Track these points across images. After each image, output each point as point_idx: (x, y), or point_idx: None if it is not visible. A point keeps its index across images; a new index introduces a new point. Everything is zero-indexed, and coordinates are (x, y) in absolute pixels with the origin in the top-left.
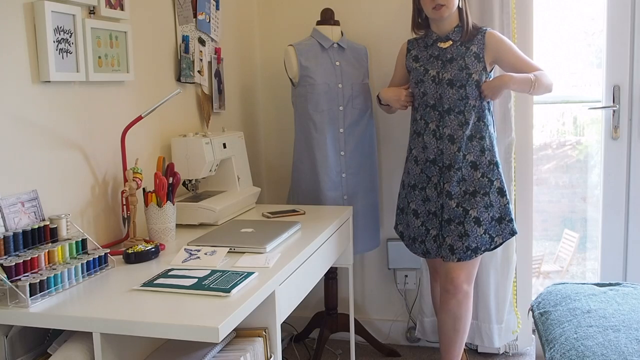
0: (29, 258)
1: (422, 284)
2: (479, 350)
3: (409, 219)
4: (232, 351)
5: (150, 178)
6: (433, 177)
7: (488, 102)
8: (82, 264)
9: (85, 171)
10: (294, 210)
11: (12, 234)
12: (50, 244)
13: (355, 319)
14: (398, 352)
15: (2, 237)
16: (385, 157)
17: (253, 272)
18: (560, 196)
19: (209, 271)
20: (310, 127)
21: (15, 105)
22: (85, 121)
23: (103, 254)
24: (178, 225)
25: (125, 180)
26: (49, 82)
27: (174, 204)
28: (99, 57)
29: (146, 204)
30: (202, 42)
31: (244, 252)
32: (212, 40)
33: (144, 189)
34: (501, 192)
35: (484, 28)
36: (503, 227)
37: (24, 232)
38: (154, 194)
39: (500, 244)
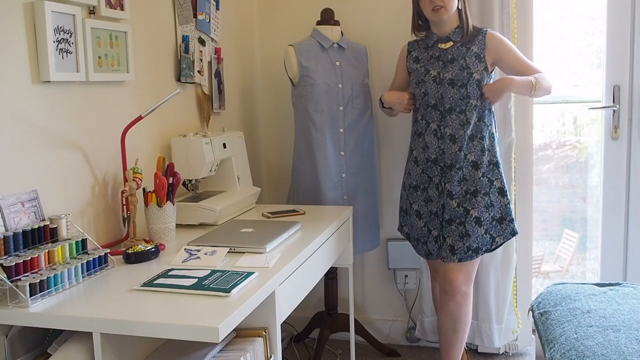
0: (29, 258)
1: (422, 284)
2: (479, 350)
3: (412, 220)
4: (232, 351)
5: (150, 178)
6: (434, 177)
7: (489, 102)
8: (82, 264)
9: (85, 171)
10: (294, 210)
11: (12, 234)
12: (50, 244)
13: (355, 319)
14: (398, 352)
15: (2, 237)
16: (385, 157)
17: (253, 272)
18: (560, 196)
19: (209, 271)
20: (310, 127)
21: (15, 105)
22: (85, 121)
23: (103, 254)
24: (178, 225)
25: (125, 180)
26: (49, 82)
27: (174, 204)
28: (99, 57)
29: (146, 204)
30: (202, 42)
31: (244, 252)
32: (212, 40)
33: (144, 189)
34: (502, 192)
35: (485, 29)
36: (504, 227)
37: (24, 232)
38: (154, 194)
39: (501, 244)
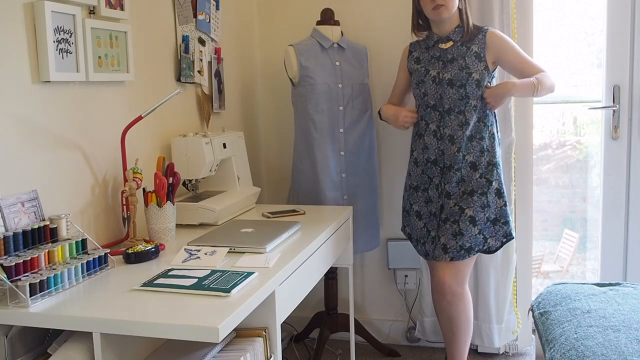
0: (29, 258)
1: (422, 284)
2: (479, 350)
3: (413, 221)
4: (232, 351)
5: (150, 178)
6: (434, 177)
7: (491, 108)
8: (82, 264)
9: (85, 171)
10: (294, 210)
11: (12, 234)
12: (50, 244)
13: (355, 319)
14: (398, 352)
15: (2, 237)
16: (385, 157)
17: (253, 272)
18: (560, 196)
19: (209, 271)
20: (310, 127)
21: (15, 105)
22: (85, 121)
23: (103, 254)
24: (178, 225)
25: (125, 180)
26: (49, 82)
27: (174, 204)
28: (99, 57)
29: (146, 204)
30: (202, 42)
31: (244, 252)
32: (212, 40)
33: (144, 189)
34: (499, 193)
35: (486, 27)
36: (497, 228)
37: (24, 232)
38: (154, 194)
39: (498, 248)
